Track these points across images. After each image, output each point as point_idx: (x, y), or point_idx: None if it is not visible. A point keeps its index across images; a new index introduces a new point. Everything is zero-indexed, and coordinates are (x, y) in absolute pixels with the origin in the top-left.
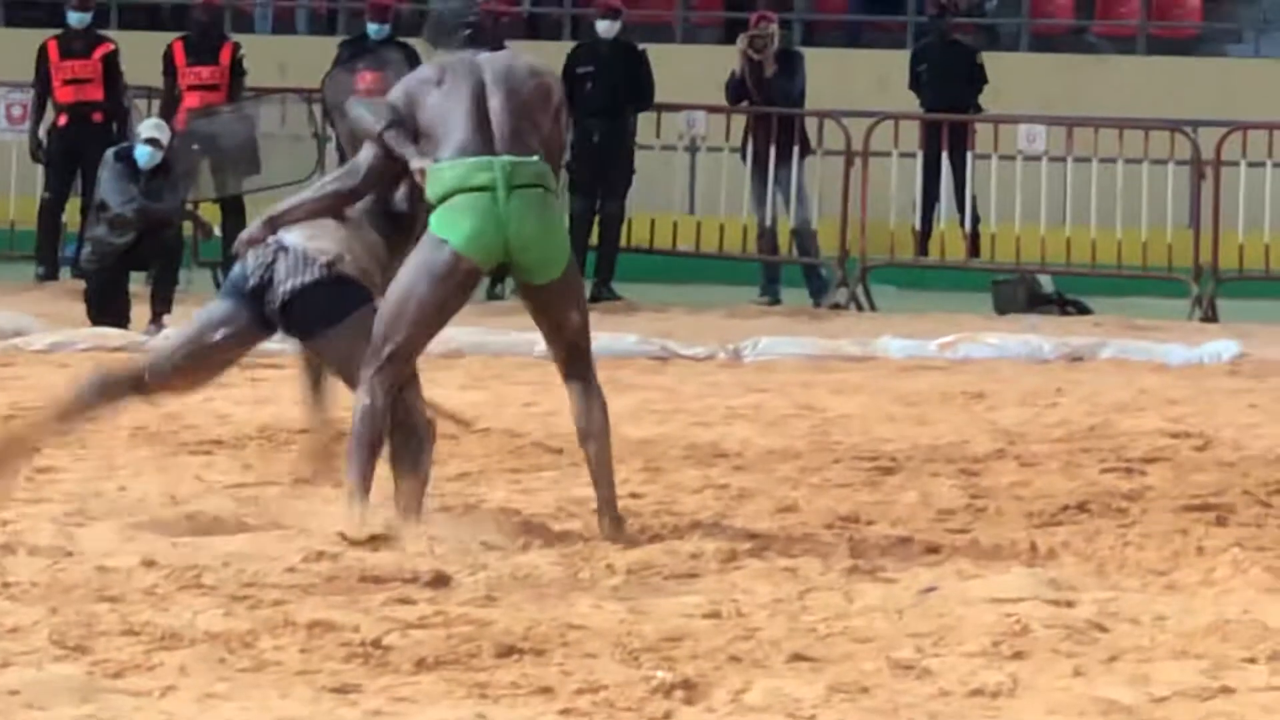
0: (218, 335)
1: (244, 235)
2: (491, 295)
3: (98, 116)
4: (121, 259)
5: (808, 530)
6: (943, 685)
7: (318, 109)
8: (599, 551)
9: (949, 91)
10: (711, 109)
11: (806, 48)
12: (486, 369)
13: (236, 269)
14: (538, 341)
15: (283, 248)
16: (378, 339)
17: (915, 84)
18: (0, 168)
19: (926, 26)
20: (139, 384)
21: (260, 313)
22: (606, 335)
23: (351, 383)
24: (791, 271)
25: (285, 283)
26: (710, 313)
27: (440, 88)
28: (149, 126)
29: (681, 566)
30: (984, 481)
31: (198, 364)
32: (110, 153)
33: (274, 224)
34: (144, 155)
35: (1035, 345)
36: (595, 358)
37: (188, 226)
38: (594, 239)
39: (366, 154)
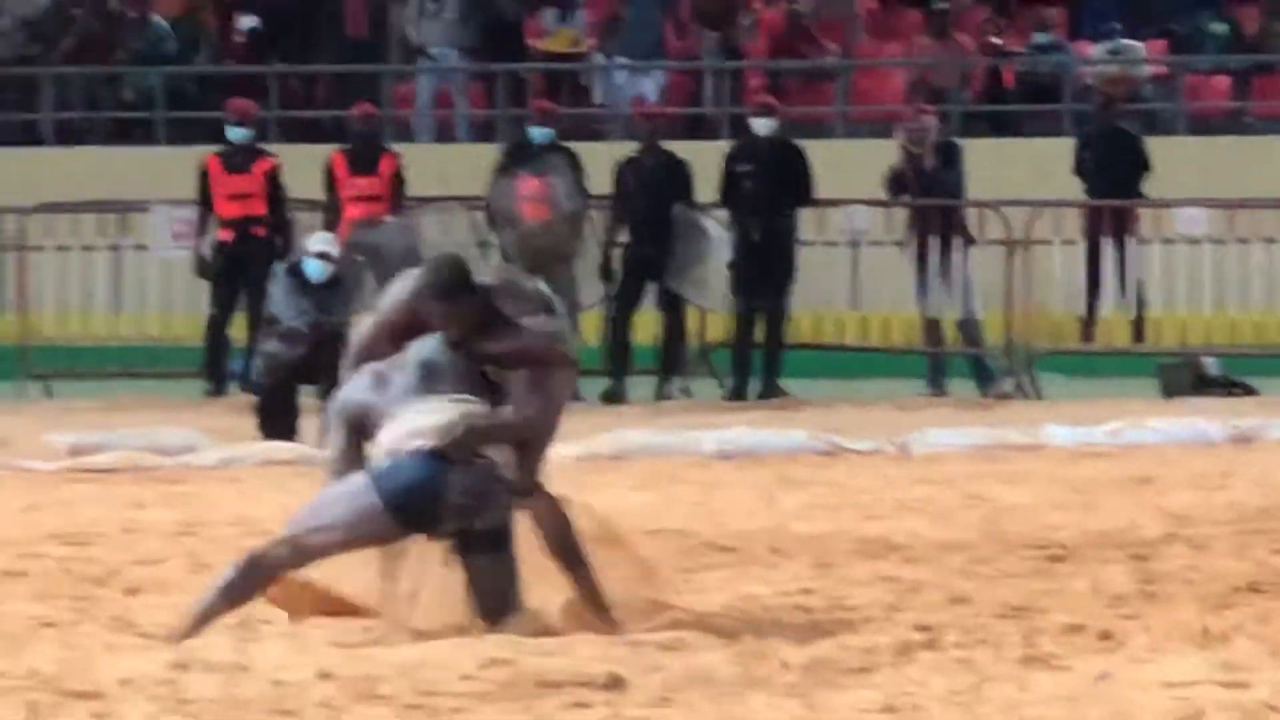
0: (371, 545)
1: (457, 441)
2: (660, 395)
3: (261, 231)
4: (292, 372)
5: (980, 620)
6: None
7: (481, 216)
8: (772, 649)
9: (1113, 178)
10: (872, 203)
11: (964, 139)
12: (655, 470)
13: (412, 474)
14: (706, 441)
15: (498, 477)
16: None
17: (1081, 170)
18: (165, 285)
19: (1092, 115)
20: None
21: (417, 519)
22: (774, 432)
23: (488, 612)
24: (957, 362)
25: (490, 516)
26: (877, 406)
27: None
28: (318, 240)
29: (855, 661)
30: (1155, 566)
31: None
32: (280, 267)
33: (480, 440)
34: (314, 269)
35: (1202, 428)
36: (764, 453)
37: None
38: (759, 336)
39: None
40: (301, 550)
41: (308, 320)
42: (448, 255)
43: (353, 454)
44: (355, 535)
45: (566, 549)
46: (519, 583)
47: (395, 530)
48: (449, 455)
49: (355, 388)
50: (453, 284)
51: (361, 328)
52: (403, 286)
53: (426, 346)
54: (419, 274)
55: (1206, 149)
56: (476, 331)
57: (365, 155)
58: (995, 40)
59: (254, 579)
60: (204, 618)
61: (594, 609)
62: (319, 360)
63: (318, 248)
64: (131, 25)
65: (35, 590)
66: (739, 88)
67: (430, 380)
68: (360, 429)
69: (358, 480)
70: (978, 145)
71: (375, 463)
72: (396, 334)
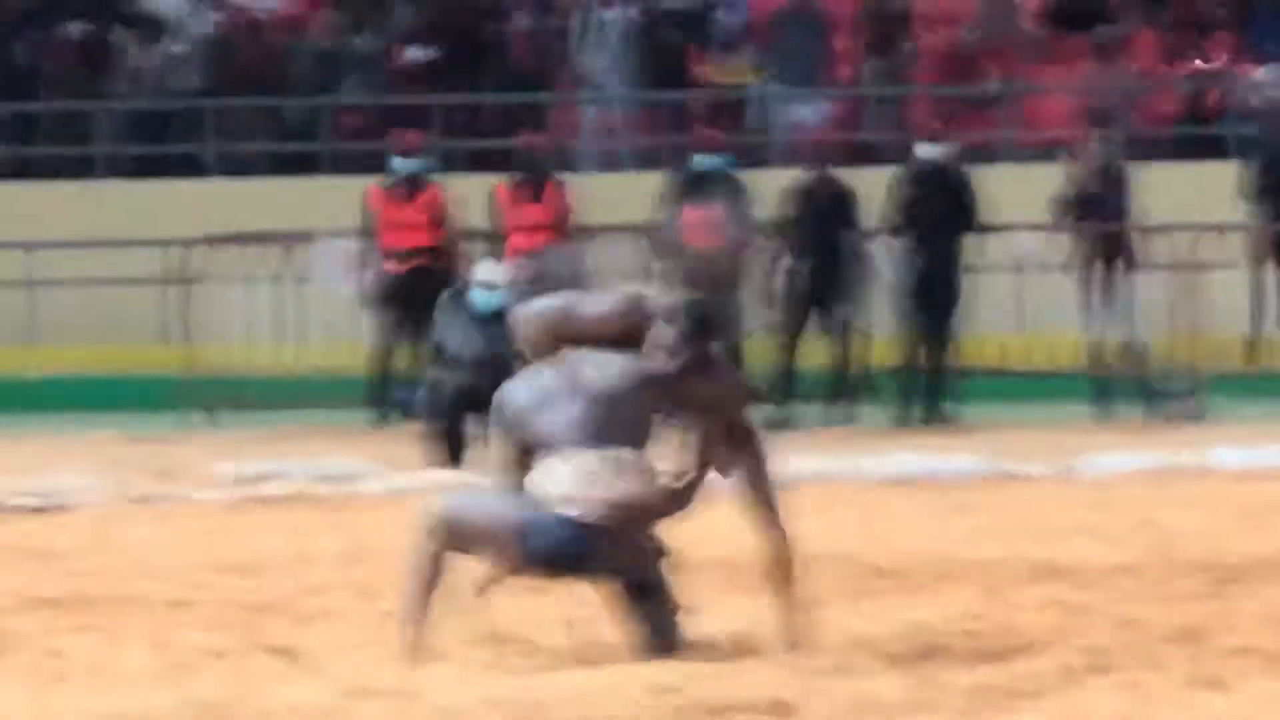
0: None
1: (602, 520)
2: (827, 421)
3: (426, 261)
4: (459, 401)
5: (1149, 644)
6: None
7: (647, 244)
8: (940, 674)
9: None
10: (1038, 228)
11: (1131, 162)
12: (823, 495)
13: (554, 537)
14: (873, 467)
15: (644, 550)
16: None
17: (1246, 191)
18: (331, 315)
19: (1263, 139)
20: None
21: (553, 572)
22: (941, 457)
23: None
24: (1124, 386)
25: (635, 574)
26: (1044, 430)
27: None
28: (485, 270)
29: (1023, 685)
30: None
31: None
32: (447, 296)
33: (632, 523)
34: (481, 299)
35: None
36: (931, 478)
37: None
38: (925, 361)
39: None
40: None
41: (474, 350)
42: (699, 298)
43: (512, 459)
44: (492, 555)
45: (782, 571)
46: (675, 621)
47: (536, 573)
48: (600, 526)
49: (517, 392)
50: (706, 323)
51: (546, 307)
52: (605, 298)
53: (606, 375)
54: (642, 292)
55: None
56: (693, 371)
57: (531, 184)
58: (1162, 65)
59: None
60: (414, 618)
61: (789, 632)
62: (486, 389)
63: (484, 277)
64: (295, 56)
65: (204, 620)
66: (903, 114)
67: (601, 414)
68: (518, 438)
69: (514, 508)
70: (1143, 169)
71: (532, 502)
72: (571, 333)
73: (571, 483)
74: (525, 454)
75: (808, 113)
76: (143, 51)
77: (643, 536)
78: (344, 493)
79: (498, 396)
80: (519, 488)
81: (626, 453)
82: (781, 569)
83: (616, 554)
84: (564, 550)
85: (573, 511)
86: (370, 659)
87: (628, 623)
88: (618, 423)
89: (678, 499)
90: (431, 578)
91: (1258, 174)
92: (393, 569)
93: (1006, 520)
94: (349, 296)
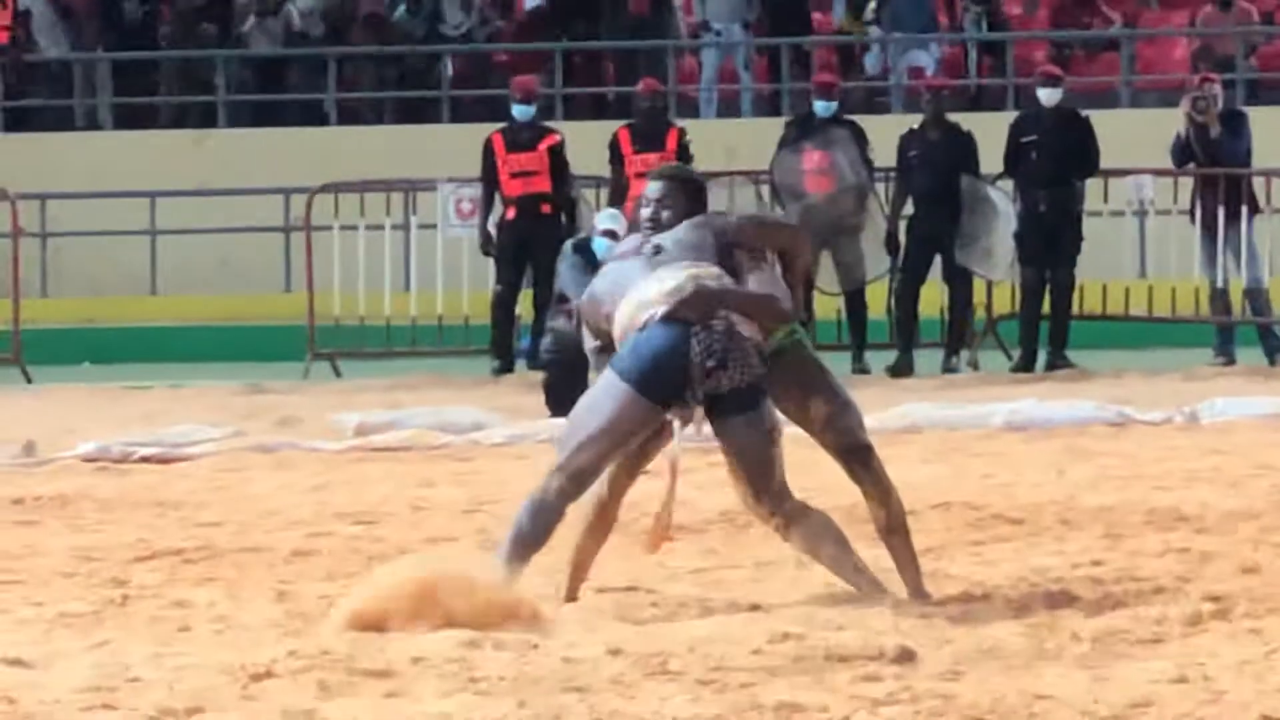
0: (635, 439)
1: (685, 300)
2: (947, 368)
3: (546, 208)
4: (580, 350)
5: (1272, 590)
6: None
7: (766, 190)
8: (1063, 620)
9: None
10: (1158, 173)
11: (1250, 106)
12: (944, 443)
13: (651, 344)
14: (994, 413)
15: (738, 336)
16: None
17: None
18: (452, 263)
19: None
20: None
21: (668, 390)
22: (1063, 404)
23: (754, 481)
24: (1246, 331)
25: (737, 373)
26: (1165, 376)
27: None
28: (605, 218)
29: (1146, 632)
30: None
31: (630, 472)
32: (569, 244)
33: (716, 303)
34: (601, 247)
35: None
36: (1052, 425)
37: None
38: (1046, 307)
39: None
40: (575, 473)
41: None
42: None
43: (602, 349)
44: (618, 433)
45: (895, 522)
46: (780, 448)
47: (650, 412)
48: (682, 317)
49: (594, 282)
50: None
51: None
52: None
53: (665, 236)
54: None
55: None
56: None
57: (651, 131)
58: None
59: (542, 521)
60: (508, 573)
61: (910, 576)
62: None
63: (605, 225)
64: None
65: (326, 569)
66: (1016, 59)
67: (659, 259)
68: (597, 324)
69: (603, 378)
70: (1264, 113)
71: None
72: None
73: (641, 295)
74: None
75: (924, 58)
76: (263, 1)
77: (734, 330)
78: (465, 442)
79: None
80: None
81: (685, 265)
82: (892, 520)
83: (710, 344)
84: (660, 351)
85: (650, 312)
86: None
87: (730, 452)
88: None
89: (762, 301)
90: (536, 535)
91: None
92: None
93: (1128, 466)
94: (470, 244)
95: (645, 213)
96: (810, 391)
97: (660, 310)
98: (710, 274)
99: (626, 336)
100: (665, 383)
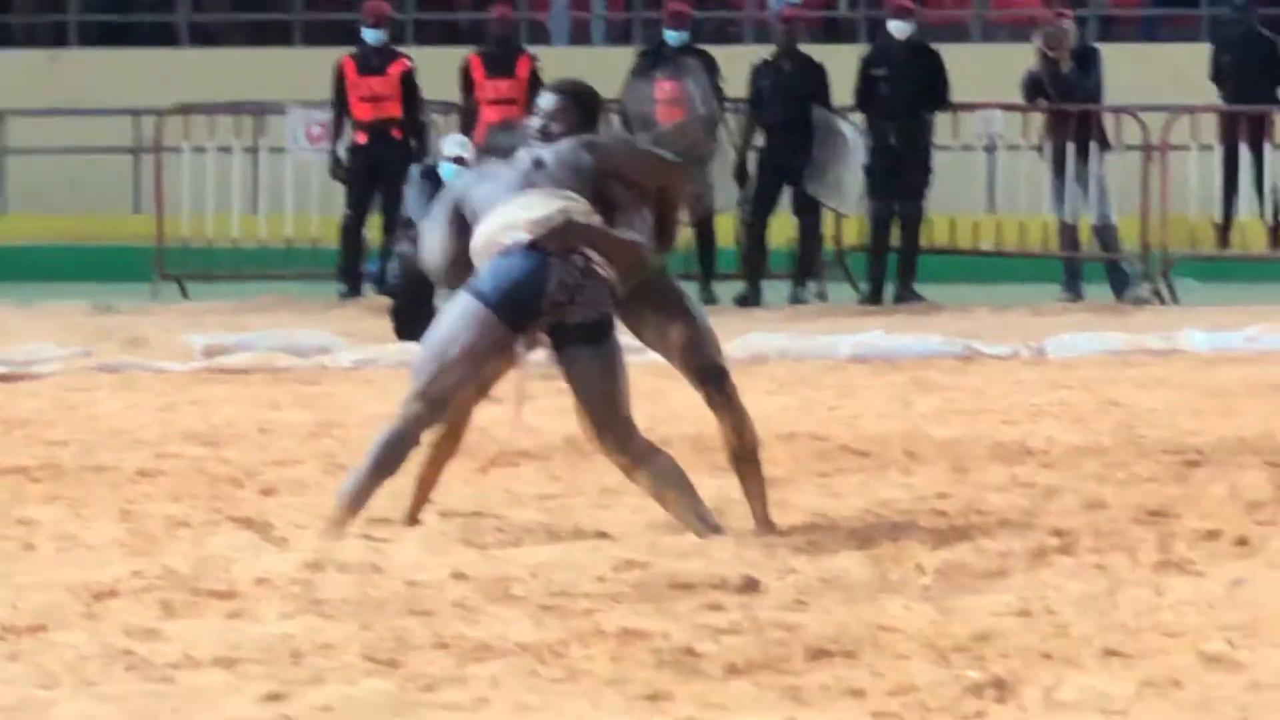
0: (490, 364)
1: (550, 232)
2: (795, 299)
3: (396, 133)
4: (426, 275)
5: (1116, 525)
6: (1255, 678)
7: (616, 119)
8: (907, 553)
9: (1249, 83)
10: (1009, 108)
11: (1102, 43)
12: (790, 374)
13: (511, 270)
14: (841, 345)
15: (594, 273)
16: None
17: (1216, 75)
18: (301, 187)
19: (1230, 19)
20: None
21: (523, 316)
22: (910, 337)
23: (596, 416)
24: (1093, 268)
25: (584, 310)
26: (1013, 311)
27: None
28: (453, 144)
29: (990, 565)
30: None
31: (478, 395)
32: (415, 170)
33: (580, 238)
34: (449, 173)
35: None
36: (899, 357)
37: None
38: (894, 240)
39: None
40: (434, 399)
41: None
42: None
43: (451, 245)
44: (477, 358)
45: (748, 450)
46: (625, 384)
47: (507, 336)
48: (544, 246)
49: (461, 180)
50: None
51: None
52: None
53: (548, 149)
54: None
55: None
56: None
57: (502, 58)
58: None
59: (399, 447)
60: (357, 497)
61: (757, 507)
62: None
63: (452, 151)
64: None
65: (170, 490)
66: None
67: (537, 174)
68: (459, 220)
69: (460, 301)
70: (1115, 50)
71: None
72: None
73: (508, 217)
74: (463, 228)
75: None
76: None
77: (592, 266)
78: (311, 365)
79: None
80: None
81: (560, 193)
82: (744, 447)
83: (565, 277)
84: (519, 276)
85: (515, 235)
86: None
87: (572, 382)
88: (551, 185)
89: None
90: (389, 460)
91: (1227, 54)
92: (360, 442)
93: (974, 400)
94: (319, 168)
95: (535, 124)
96: (670, 317)
97: (524, 237)
98: (580, 209)
99: (486, 255)
100: (521, 309)
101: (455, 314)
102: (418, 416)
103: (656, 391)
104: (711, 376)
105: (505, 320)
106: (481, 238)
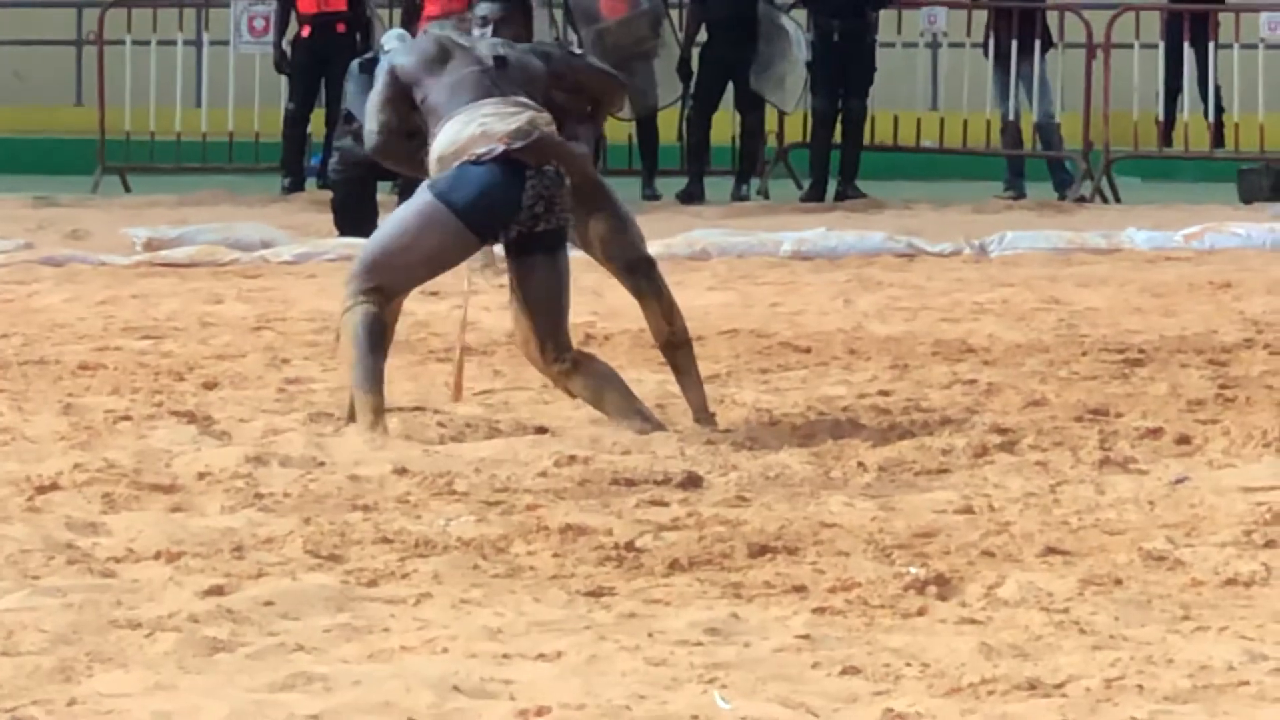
0: (448, 260)
1: (528, 146)
2: (737, 196)
3: (341, 27)
4: (368, 169)
5: (1057, 424)
6: (1195, 575)
7: (560, 14)
8: (849, 450)
9: None
10: (952, 4)
11: None
12: (732, 270)
13: (486, 182)
14: (783, 242)
15: (563, 182)
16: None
17: None
18: (244, 80)
19: None
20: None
21: (493, 226)
22: (852, 234)
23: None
24: (1035, 165)
25: (555, 217)
26: (955, 208)
27: None
28: (391, 38)
29: (932, 463)
30: (1233, 371)
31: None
32: (355, 64)
33: (552, 153)
34: None
35: None
36: (839, 255)
37: None
38: (837, 137)
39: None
40: (388, 293)
41: None
42: None
43: (393, 117)
44: (439, 263)
45: (679, 338)
46: (568, 297)
47: (472, 245)
48: (521, 159)
49: (409, 53)
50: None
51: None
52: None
53: (509, 49)
54: None
55: None
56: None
57: None
58: None
59: (378, 326)
60: (374, 380)
61: (694, 396)
62: None
63: (391, 45)
64: None
65: (112, 384)
66: None
67: (498, 75)
68: (406, 97)
69: (424, 204)
70: None
71: (440, 173)
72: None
73: (482, 125)
74: (406, 106)
75: None
76: None
77: (561, 177)
78: (253, 259)
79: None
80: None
81: (524, 102)
82: (676, 334)
83: (541, 189)
84: (494, 187)
85: (489, 146)
86: (277, 426)
87: (522, 284)
88: (511, 88)
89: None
90: (378, 338)
91: None
92: (301, 336)
93: (916, 297)
94: (263, 61)
95: (476, 32)
96: (591, 210)
97: (499, 148)
98: (545, 119)
99: (453, 161)
100: (493, 219)
101: (418, 216)
102: (378, 306)
103: (597, 288)
104: (638, 266)
105: (474, 229)
106: (450, 144)
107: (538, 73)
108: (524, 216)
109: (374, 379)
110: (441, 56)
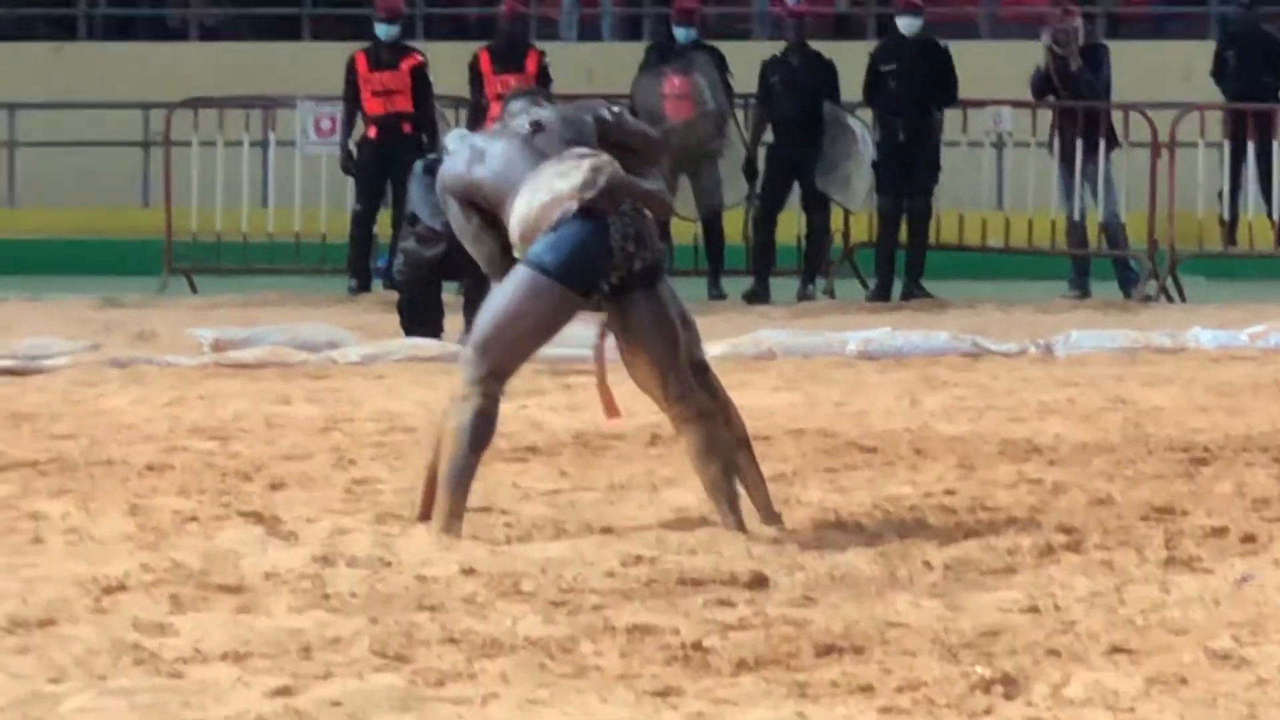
0: (555, 325)
1: (599, 194)
2: (803, 295)
3: (407, 128)
4: (434, 270)
5: (1123, 523)
6: (1261, 674)
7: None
8: (915, 549)
9: (1254, 80)
10: (1017, 104)
11: (1111, 40)
12: (798, 370)
13: (572, 239)
14: (849, 341)
15: (644, 215)
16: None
17: (1220, 72)
18: (310, 181)
19: (1236, 16)
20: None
21: (592, 280)
22: (918, 333)
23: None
24: (1101, 264)
25: (648, 251)
26: (1021, 308)
27: None
28: (454, 138)
29: (998, 562)
30: None
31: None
32: (419, 165)
33: (625, 192)
34: None
35: None
36: (907, 354)
37: None
38: (902, 236)
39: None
40: (503, 374)
41: (444, 220)
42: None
43: (478, 225)
44: (548, 330)
45: (736, 436)
46: (677, 318)
47: (575, 303)
48: (598, 208)
49: (452, 163)
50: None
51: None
52: None
53: (544, 110)
54: None
55: None
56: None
57: (511, 52)
58: None
59: (488, 424)
60: (463, 479)
61: (759, 495)
62: (458, 257)
63: (454, 145)
64: None
65: (179, 485)
66: None
67: (538, 139)
68: (471, 203)
69: (519, 278)
70: (1123, 47)
71: (528, 249)
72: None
73: (548, 190)
74: (485, 218)
75: None
76: None
77: (642, 212)
78: (320, 359)
79: (438, 180)
80: (497, 250)
81: (579, 152)
82: (736, 433)
83: (628, 230)
84: (583, 243)
85: (565, 208)
86: (344, 526)
87: (629, 327)
88: (554, 149)
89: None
90: (483, 439)
91: (1231, 51)
92: (369, 437)
93: (982, 397)
94: (329, 162)
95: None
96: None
97: (573, 205)
98: (604, 160)
99: (534, 234)
100: (590, 272)
101: (517, 289)
102: (492, 394)
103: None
104: (695, 369)
105: (574, 287)
106: (524, 221)
107: (584, 127)
108: (618, 260)
109: (464, 481)
110: (478, 153)
